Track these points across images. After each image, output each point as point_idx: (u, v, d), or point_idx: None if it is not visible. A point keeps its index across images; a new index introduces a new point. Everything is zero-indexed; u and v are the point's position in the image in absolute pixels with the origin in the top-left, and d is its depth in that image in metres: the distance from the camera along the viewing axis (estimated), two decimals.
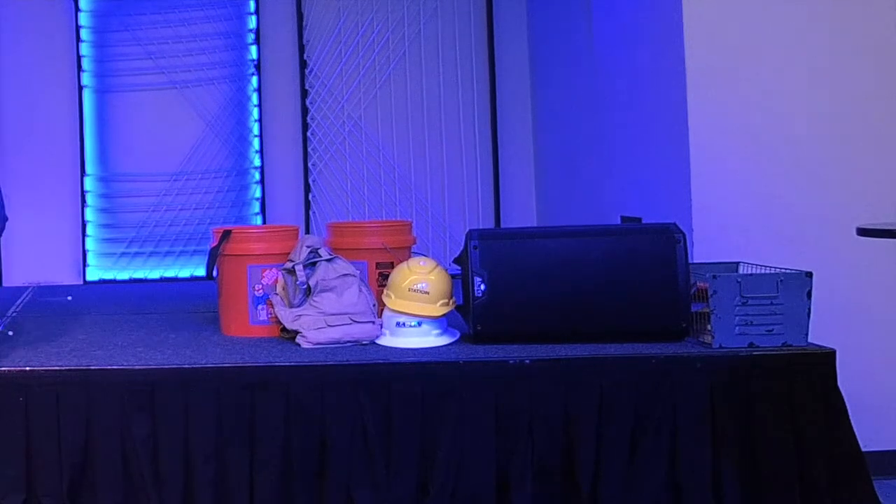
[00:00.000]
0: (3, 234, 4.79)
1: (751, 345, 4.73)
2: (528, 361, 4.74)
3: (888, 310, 5.80)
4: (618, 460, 4.62)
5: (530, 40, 9.20)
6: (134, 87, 9.28)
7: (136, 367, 4.81)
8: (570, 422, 4.67)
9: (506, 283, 5.12)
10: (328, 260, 5.55)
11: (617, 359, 4.78)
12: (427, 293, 5.29)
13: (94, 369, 4.79)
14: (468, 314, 5.22)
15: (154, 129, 9.24)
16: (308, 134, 9.26)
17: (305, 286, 5.49)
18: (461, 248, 5.35)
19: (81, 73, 9.21)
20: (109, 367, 4.81)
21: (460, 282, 5.38)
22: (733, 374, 4.67)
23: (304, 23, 9.23)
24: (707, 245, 5.74)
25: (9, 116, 8.97)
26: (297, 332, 5.36)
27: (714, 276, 4.78)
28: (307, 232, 8.99)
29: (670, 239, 5.04)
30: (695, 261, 5.42)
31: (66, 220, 9.05)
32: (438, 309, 5.29)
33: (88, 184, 9.15)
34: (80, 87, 9.21)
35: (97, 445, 4.67)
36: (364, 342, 5.32)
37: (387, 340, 5.32)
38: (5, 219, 4.51)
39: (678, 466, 4.62)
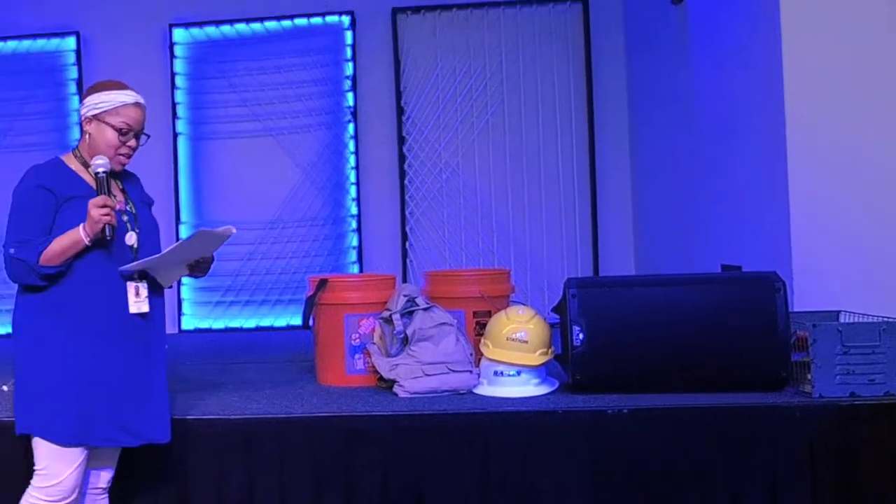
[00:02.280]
0: None
1: (852, 394, 4.76)
2: (626, 411, 4.83)
3: None
4: None
5: (629, 88, 9.29)
6: (229, 134, 9.54)
7: (233, 417, 5.00)
8: (667, 472, 4.75)
9: (604, 332, 5.23)
10: (425, 309, 5.68)
11: (715, 408, 4.84)
12: (526, 342, 5.40)
13: (191, 419, 4.97)
14: (566, 363, 5.34)
15: (249, 176, 9.46)
16: (405, 181, 9.40)
17: (402, 335, 5.61)
18: (560, 296, 5.46)
19: (176, 120, 9.50)
20: (206, 417, 5.00)
21: (559, 330, 5.49)
22: (834, 424, 4.70)
23: (401, 69, 9.40)
24: (807, 294, 5.75)
25: None
26: (394, 382, 5.50)
27: (814, 325, 4.83)
28: (404, 280, 9.09)
29: (770, 287, 5.12)
30: (795, 309, 5.47)
31: None
32: (537, 358, 5.41)
33: (183, 231, 9.35)
34: (175, 135, 9.50)
35: (194, 494, 4.87)
36: (461, 391, 5.44)
37: (484, 390, 5.44)
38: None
39: None
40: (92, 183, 4.25)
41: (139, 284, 4.26)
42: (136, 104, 4.34)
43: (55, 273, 4.18)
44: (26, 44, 9.73)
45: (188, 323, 9.36)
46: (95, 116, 4.29)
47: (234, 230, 4.36)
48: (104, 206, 4.06)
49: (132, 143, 4.31)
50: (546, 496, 4.81)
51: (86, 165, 4.31)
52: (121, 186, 4.42)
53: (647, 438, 4.80)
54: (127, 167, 4.48)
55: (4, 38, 9.73)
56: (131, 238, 4.26)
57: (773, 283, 5.13)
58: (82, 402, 4.20)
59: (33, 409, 4.23)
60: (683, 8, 7.49)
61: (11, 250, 4.19)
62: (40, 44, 9.72)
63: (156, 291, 4.39)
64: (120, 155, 4.29)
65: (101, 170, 4.18)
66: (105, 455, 4.45)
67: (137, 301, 4.25)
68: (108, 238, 4.10)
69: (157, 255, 4.25)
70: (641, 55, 8.84)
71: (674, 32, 7.76)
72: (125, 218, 4.29)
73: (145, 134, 4.40)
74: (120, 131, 4.26)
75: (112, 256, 4.22)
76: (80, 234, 4.11)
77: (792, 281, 5.75)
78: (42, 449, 4.22)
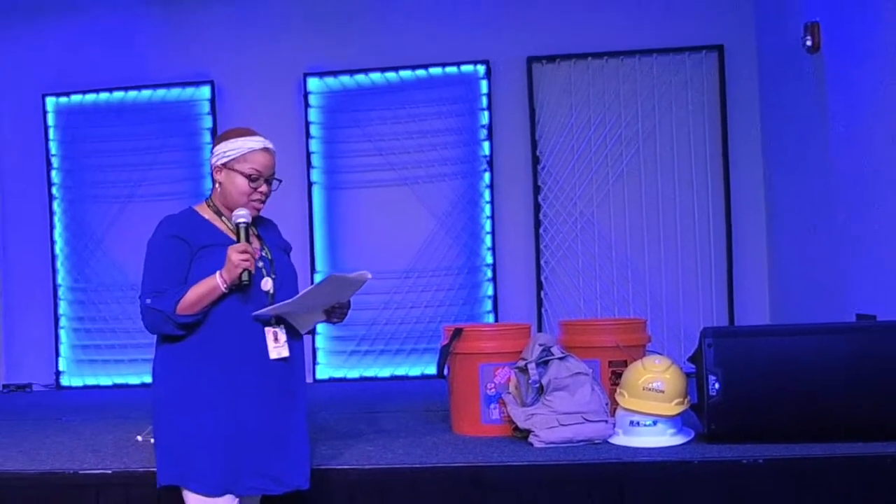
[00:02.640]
0: None
1: None
2: (761, 461, 4.86)
3: None
4: None
5: (763, 136, 9.25)
6: (364, 183, 9.67)
7: (367, 467, 5.12)
8: None
9: (741, 382, 5.27)
10: (561, 358, 5.74)
11: (853, 458, 4.85)
12: (662, 392, 5.45)
13: (327, 468, 5.10)
14: (702, 413, 5.39)
15: (384, 225, 9.58)
16: (540, 230, 9.44)
17: (538, 385, 5.67)
18: (695, 345, 5.51)
19: (311, 169, 9.67)
20: (339, 468, 5.13)
21: (695, 380, 5.53)
22: None
23: (536, 118, 9.46)
24: None
25: None
26: (529, 432, 5.57)
27: None
28: (539, 330, 9.15)
29: None
30: None
31: None
32: (673, 408, 5.44)
33: (318, 281, 9.45)
34: (310, 184, 9.66)
35: None
36: (597, 441, 5.49)
37: (620, 440, 5.49)
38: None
39: None
40: (227, 231, 4.36)
41: (277, 329, 4.32)
42: (265, 149, 4.41)
43: (192, 322, 4.25)
44: (161, 93, 9.99)
45: (323, 372, 9.46)
46: (225, 165, 4.37)
47: (370, 275, 4.43)
48: (244, 252, 4.15)
49: (263, 188, 4.38)
50: None
51: (219, 214, 4.42)
52: (256, 233, 4.51)
53: (784, 489, 4.81)
54: (263, 213, 4.57)
55: (139, 87, 10.00)
56: (267, 284, 4.32)
57: None
58: (228, 450, 4.26)
59: (178, 460, 4.29)
60: (820, 56, 7.47)
61: (148, 300, 4.27)
62: (175, 93, 9.98)
63: (294, 337, 4.46)
64: (253, 202, 4.36)
65: (241, 220, 4.27)
66: (248, 503, 4.49)
67: (277, 346, 4.31)
68: (246, 284, 4.19)
69: (291, 300, 4.31)
70: (777, 103, 8.81)
71: (810, 80, 7.73)
72: (260, 264, 4.35)
73: (277, 179, 4.50)
74: (250, 178, 4.33)
75: (249, 303, 4.29)
76: (216, 281, 4.18)
77: None
78: (192, 500, 4.29)
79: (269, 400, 4.33)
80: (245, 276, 4.17)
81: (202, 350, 4.31)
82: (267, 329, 4.31)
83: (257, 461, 4.30)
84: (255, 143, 4.40)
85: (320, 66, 9.74)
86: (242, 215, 4.28)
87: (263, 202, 4.42)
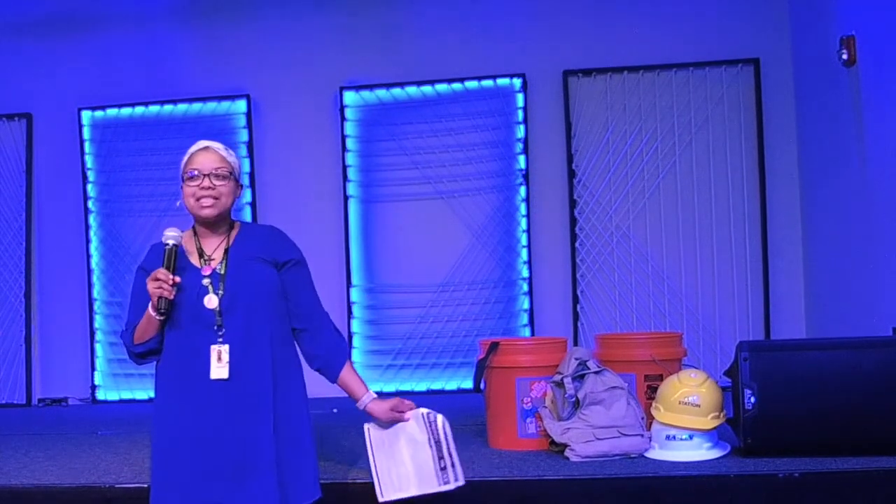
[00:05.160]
0: None
1: None
2: (797, 475, 4.94)
3: None
4: None
5: (800, 149, 9.27)
6: (400, 197, 9.74)
7: None
8: None
9: (776, 396, 5.34)
10: (597, 372, 5.81)
11: (890, 472, 4.90)
12: (698, 406, 5.52)
13: (357, 483, 5.19)
14: (738, 427, 5.45)
15: (420, 239, 9.66)
16: (576, 244, 9.49)
17: (574, 399, 5.75)
18: (731, 359, 5.58)
19: (347, 182, 9.74)
20: (370, 482, 5.09)
21: (730, 394, 5.60)
22: None
23: (572, 132, 9.51)
24: None
25: (269, 222, 9.24)
26: (565, 446, 5.64)
27: None
28: (575, 344, 9.20)
29: None
30: None
31: None
32: (709, 422, 5.51)
33: (354, 295, 9.62)
34: (346, 198, 9.73)
35: None
36: (633, 455, 5.57)
37: (656, 454, 5.57)
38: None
39: None
40: (190, 255, 4.37)
41: (221, 349, 4.22)
42: (201, 149, 4.36)
43: (145, 351, 4.32)
44: (197, 107, 10.10)
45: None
46: (182, 183, 4.37)
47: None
48: (156, 280, 4.10)
49: (205, 183, 4.26)
50: None
51: (194, 234, 4.42)
52: (205, 255, 4.37)
53: (820, 503, 4.88)
54: (273, 224, 4.61)
55: (175, 101, 10.12)
56: (211, 302, 4.24)
57: None
58: (169, 477, 4.28)
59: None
60: (856, 70, 7.50)
61: (120, 332, 4.44)
62: (211, 107, 10.08)
63: (264, 357, 4.32)
64: (200, 202, 4.28)
65: (170, 242, 4.22)
66: None
67: (219, 366, 4.21)
68: (162, 310, 4.15)
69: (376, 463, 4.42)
70: (812, 116, 8.84)
71: (846, 94, 7.77)
72: (205, 282, 4.27)
73: (233, 175, 4.39)
74: (191, 179, 4.28)
75: (196, 323, 4.25)
76: (149, 310, 4.21)
77: None
78: None
79: (215, 424, 4.23)
80: (162, 305, 4.13)
81: (157, 374, 4.38)
82: (212, 348, 4.23)
83: (205, 491, 4.21)
84: (192, 148, 4.39)
85: (356, 80, 9.81)
86: (171, 237, 4.24)
87: (215, 198, 4.29)
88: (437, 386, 9.52)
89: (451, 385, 9.49)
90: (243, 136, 9.95)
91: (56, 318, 10.32)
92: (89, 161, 10.24)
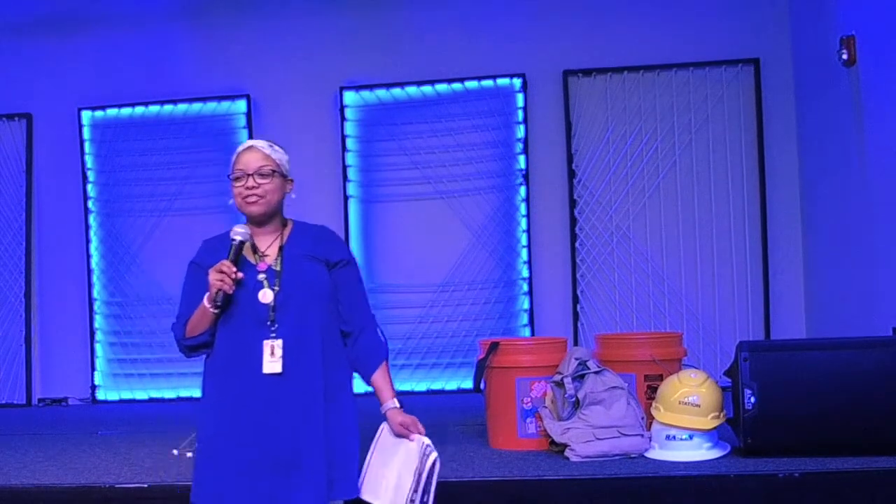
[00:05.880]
0: None
1: None
2: (797, 475, 4.94)
3: None
4: None
5: (800, 148, 9.29)
6: (400, 197, 9.77)
7: None
8: None
9: (776, 396, 5.36)
10: (597, 372, 5.82)
11: (890, 471, 4.91)
12: (698, 406, 5.53)
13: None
14: (738, 427, 5.47)
15: (420, 239, 9.68)
16: (576, 244, 9.51)
17: (574, 399, 5.76)
18: (731, 359, 5.59)
19: (347, 182, 9.76)
20: None
21: (730, 394, 5.61)
22: None
23: (572, 132, 9.53)
24: None
25: None
26: (565, 446, 5.65)
27: None
28: (575, 344, 9.22)
29: None
30: None
31: None
32: (709, 422, 5.52)
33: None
34: (346, 197, 9.76)
35: None
36: (633, 455, 5.59)
37: (656, 454, 5.57)
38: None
39: None
40: (248, 251, 4.39)
41: (274, 343, 4.24)
42: (246, 149, 4.44)
43: (197, 344, 4.35)
44: (197, 107, 10.14)
45: (359, 387, 9.37)
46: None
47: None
48: (219, 272, 4.16)
49: (249, 182, 4.32)
50: None
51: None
52: (259, 251, 4.41)
53: (820, 503, 4.88)
54: (316, 221, 4.63)
55: (175, 101, 10.16)
56: (266, 296, 4.28)
57: None
58: (207, 464, 4.30)
59: (195, 477, 4.38)
60: (856, 70, 7.51)
61: (172, 324, 4.46)
62: (211, 107, 10.12)
63: (314, 352, 4.34)
64: (247, 200, 4.34)
65: (238, 237, 4.27)
66: None
67: (272, 361, 4.23)
68: (219, 303, 4.20)
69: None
70: (813, 116, 8.86)
71: (846, 94, 7.78)
72: (261, 277, 4.31)
73: (277, 172, 4.40)
74: (237, 180, 4.35)
75: (249, 317, 4.28)
76: (204, 303, 4.24)
77: None
78: None
79: (265, 418, 4.25)
80: (219, 298, 4.18)
81: (208, 367, 4.40)
82: (265, 343, 4.25)
83: (253, 484, 4.23)
84: (239, 147, 4.47)
85: (356, 80, 9.84)
86: (239, 233, 4.29)
87: (260, 196, 4.35)
88: (437, 386, 9.53)
89: (452, 385, 9.50)
90: (243, 136, 9.96)
91: (56, 318, 10.35)
92: (89, 161, 10.28)
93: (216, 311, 4.24)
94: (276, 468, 4.21)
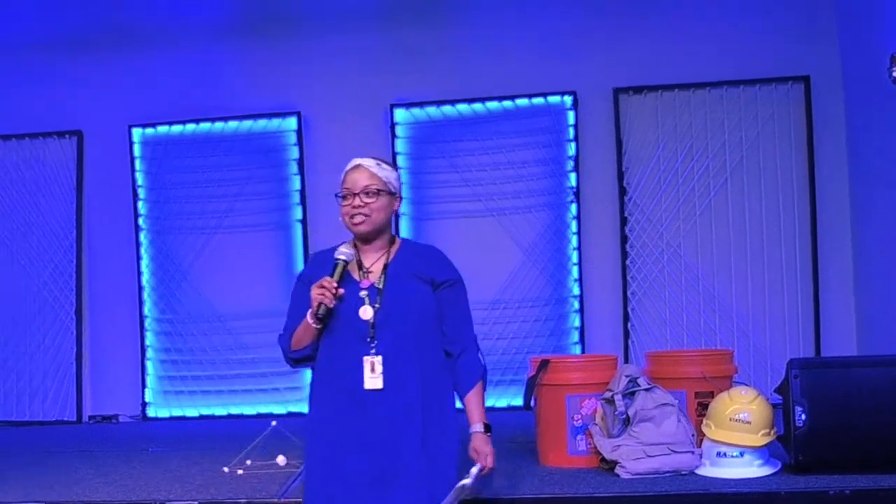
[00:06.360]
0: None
1: None
2: (848, 492, 5.01)
3: None
4: None
5: (850, 165, 9.33)
6: (450, 214, 9.86)
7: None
8: None
9: (827, 413, 5.42)
10: (647, 389, 5.91)
11: None
12: (749, 423, 5.60)
13: None
14: (789, 444, 5.53)
15: (471, 256, 9.24)
16: (627, 262, 9.58)
17: (624, 416, 5.84)
18: (782, 376, 5.67)
19: None
20: None
21: (781, 411, 5.68)
22: None
23: (622, 150, 9.61)
24: None
25: (319, 240, 9.44)
26: (616, 463, 5.73)
27: None
28: (626, 361, 9.21)
29: None
30: None
31: None
32: (760, 439, 5.59)
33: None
34: (397, 215, 9.60)
35: None
36: (683, 472, 5.66)
37: (706, 471, 5.64)
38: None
39: None
40: (354, 267, 4.47)
41: (375, 360, 4.31)
42: (353, 167, 4.48)
43: (300, 357, 4.46)
44: (248, 124, 10.27)
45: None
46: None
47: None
48: (320, 288, 4.25)
49: (355, 202, 4.38)
50: None
51: (355, 246, 4.51)
52: (364, 268, 4.48)
53: None
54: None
55: (226, 119, 10.29)
56: (366, 313, 4.34)
57: None
58: (313, 479, 4.41)
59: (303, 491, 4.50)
60: None
61: (279, 337, 4.56)
62: (262, 124, 10.24)
63: (412, 368, 4.40)
64: (353, 220, 4.41)
65: (342, 257, 4.37)
66: None
67: (372, 377, 4.30)
68: (320, 317, 4.29)
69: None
70: (863, 133, 8.89)
71: None
72: (363, 294, 4.38)
73: (384, 190, 4.43)
74: (344, 199, 4.42)
75: (349, 333, 4.36)
76: (307, 318, 4.34)
77: None
78: None
79: (366, 433, 4.32)
80: (321, 311, 4.27)
81: (313, 381, 4.50)
82: (365, 359, 4.32)
83: (355, 498, 4.29)
84: (347, 167, 4.50)
85: (407, 97, 9.94)
86: (343, 253, 4.39)
87: (367, 214, 4.38)
88: (487, 403, 9.24)
89: (502, 402, 9.51)
90: (294, 153, 10.11)
91: (107, 336, 10.49)
92: (140, 178, 10.43)
93: (318, 325, 4.34)
94: (377, 482, 4.28)
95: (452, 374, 4.52)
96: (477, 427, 4.50)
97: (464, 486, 4.29)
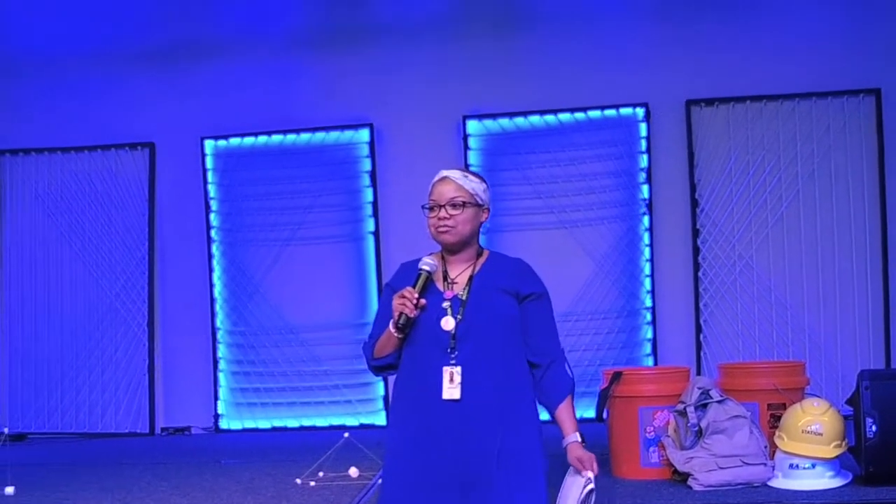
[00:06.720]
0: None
1: None
2: None
3: None
4: None
5: None
6: (523, 226, 9.93)
7: None
8: None
9: None
10: (719, 401, 6.00)
11: None
12: (821, 434, 5.69)
13: None
14: (860, 455, 5.63)
15: (543, 269, 9.30)
16: (699, 273, 9.64)
17: (697, 428, 5.95)
18: (853, 388, 5.76)
19: None
20: None
21: (852, 422, 5.77)
22: None
23: (694, 162, 9.69)
24: None
25: (391, 252, 9.68)
26: (688, 475, 5.85)
27: None
28: (698, 373, 9.25)
29: None
30: None
31: None
32: (832, 450, 5.69)
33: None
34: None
35: None
36: (755, 484, 5.76)
37: (779, 482, 5.75)
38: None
39: None
40: (439, 278, 4.50)
41: (454, 370, 4.32)
42: (440, 179, 4.49)
43: (382, 365, 4.53)
44: (320, 136, 10.42)
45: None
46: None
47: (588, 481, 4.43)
48: (401, 297, 4.31)
49: (441, 214, 4.40)
50: None
51: (441, 257, 4.53)
52: (449, 279, 4.50)
53: None
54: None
55: (298, 131, 10.45)
56: (448, 324, 4.36)
57: None
58: (388, 489, 4.44)
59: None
60: None
61: (364, 343, 4.65)
62: (334, 136, 10.39)
63: (496, 379, 4.40)
64: (439, 231, 4.42)
65: (425, 268, 4.41)
66: None
67: (451, 387, 4.31)
68: (400, 326, 4.33)
69: None
70: None
71: None
72: (445, 304, 4.39)
73: (471, 202, 4.44)
74: (430, 210, 4.44)
75: (430, 344, 4.39)
76: (390, 325, 4.41)
77: None
78: None
79: (444, 443, 4.30)
80: (402, 320, 4.31)
81: (395, 390, 4.54)
82: (444, 369, 4.31)
83: None
84: (434, 179, 4.52)
85: (479, 109, 10.05)
86: (426, 264, 4.43)
87: (452, 226, 4.38)
88: None
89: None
90: (366, 165, 10.25)
91: (179, 348, 10.65)
92: (212, 190, 10.60)
93: (399, 335, 4.40)
94: (452, 492, 4.30)
95: (539, 386, 4.50)
96: (574, 437, 4.45)
97: (591, 490, 4.33)
